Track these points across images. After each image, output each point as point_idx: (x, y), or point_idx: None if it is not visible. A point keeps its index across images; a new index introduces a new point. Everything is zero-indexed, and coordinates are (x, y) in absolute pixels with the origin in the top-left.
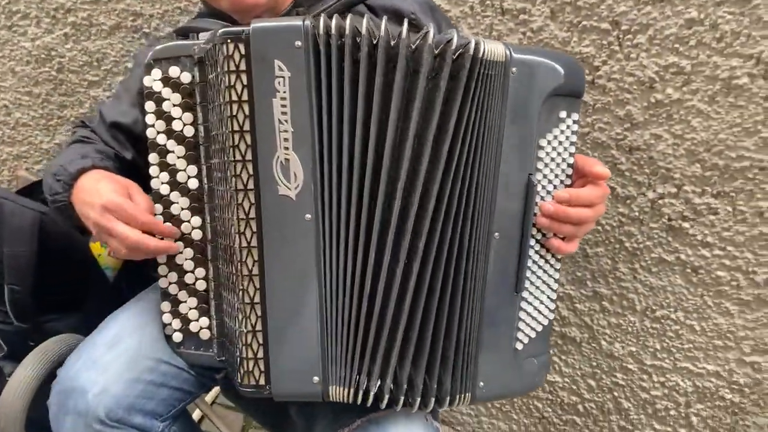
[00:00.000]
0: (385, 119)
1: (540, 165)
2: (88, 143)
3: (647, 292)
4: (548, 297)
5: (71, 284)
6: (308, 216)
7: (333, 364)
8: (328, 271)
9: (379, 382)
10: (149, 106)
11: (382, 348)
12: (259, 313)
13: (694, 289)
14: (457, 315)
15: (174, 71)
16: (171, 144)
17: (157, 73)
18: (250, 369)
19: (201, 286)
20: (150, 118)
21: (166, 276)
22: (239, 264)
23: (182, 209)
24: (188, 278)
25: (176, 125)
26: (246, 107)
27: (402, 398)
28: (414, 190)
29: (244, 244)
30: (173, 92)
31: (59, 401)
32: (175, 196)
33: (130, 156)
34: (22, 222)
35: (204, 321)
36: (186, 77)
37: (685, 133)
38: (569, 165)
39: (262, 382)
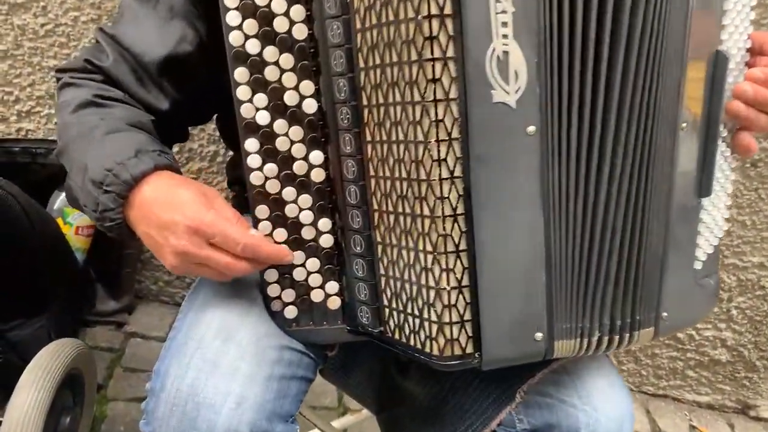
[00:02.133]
0: None
1: (724, 35)
2: (111, 108)
3: None
4: (724, 204)
5: (38, 277)
6: (531, 129)
7: (559, 314)
8: (554, 201)
9: (598, 326)
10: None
11: (606, 287)
12: (466, 264)
13: (750, 183)
14: (645, 232)
15: None
16: (270, 52)
17: None
18: (454, 336)
19: (327, 241)
20: (233, 17)
21: (270, 235)
22: (437, 201)
23: (292, 143)
24: (306, 233)
25: (279, 25)
26: None
27: (607, 339)
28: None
29: (445, 174)
30: None
31: (180, 425)
32: (281, 124)
33: (168, 105)
34: None
35: (332, 286)
36: None
37: None
38: (749, 36)
39: (469, 349)
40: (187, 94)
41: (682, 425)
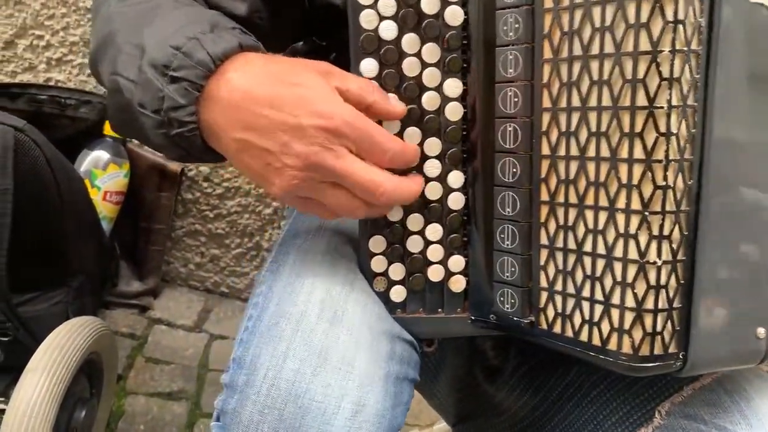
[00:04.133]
0: None
1: None
2: None
3: None
4: None
5: (60, 244)
6: None
7: None
8: None
9: None
10: None
11: None
12: (686, 230)
13: None
14: None
15: None
16: (411, 41)
17: None
18: (657, 329)
19: (457, 202)
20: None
21: None
22: (659, 140)
23: (424, 65)
24: (431, 192)
25: (427, 5)
26: None
27: None
28: None
29: (676, 99)
30: None
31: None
32: (410, 39)
33: (245, 10)
34: None
35: (456, 261)
36: None
37: None
38: None
39: (673, 348)
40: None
41: None
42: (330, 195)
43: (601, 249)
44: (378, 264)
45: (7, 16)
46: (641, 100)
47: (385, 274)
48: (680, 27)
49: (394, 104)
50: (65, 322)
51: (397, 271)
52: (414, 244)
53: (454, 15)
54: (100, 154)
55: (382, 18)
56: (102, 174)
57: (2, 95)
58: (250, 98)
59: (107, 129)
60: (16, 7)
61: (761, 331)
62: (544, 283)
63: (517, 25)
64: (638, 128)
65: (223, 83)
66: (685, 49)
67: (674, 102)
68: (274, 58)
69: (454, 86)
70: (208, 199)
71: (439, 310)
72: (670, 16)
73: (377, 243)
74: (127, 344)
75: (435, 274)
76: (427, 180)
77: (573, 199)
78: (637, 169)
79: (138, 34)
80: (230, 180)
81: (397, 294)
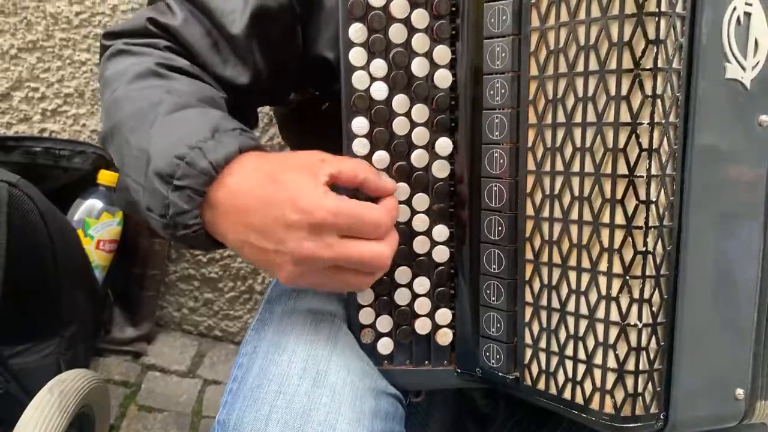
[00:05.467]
0: None
1: None
2: (173, 78)
3: None
4: None
5: (52, 296)
6: (764, 118)
7: (765, 366)
8: None
9: None
10: (356, 31)
11: None
12: (666, 293)
13: None
14: None
15: None
16: (401, 101)
17: None
18: (638, 389)
19: (442, 255)
20: (357, 55)
21: None
22: (639, 206)
23: (413, 125)
24: (419, 245)
25: (417, 68)
26: None
27: None
28: None
29: (655, 169)
30: (414, 6)
31: None
32: (401, 100)
33: (247, 79)
34: None
35: (443, 314)
36: None
37: None
38: None
39: (654, 409)
40: (273, 63)
41: None
42: (336, 279)
43: (583, 309)
44: (366, 316)
45: (3, 70)
46: (622, 168)
47: (372, 326)
48: (658, 101)
49: (386, 181)
50: (57, 377)
51: (384, 323)
52: (402, 297)
53: (443, 78)
54: (93, 203)
55: (373, 79)
56: (95, 223)
57: None
58: (244, 201)
59: (100, 178)
60: (12, 62)
61: (740, 391)
62: (528, 340)
63: (503, 90)
64: (619, 195)
65: (222, 189)
66: (663, 121)
67: (653, 171)
68: (266, 156)
69: (445, 145)
70: None
71: (426, 362)
72: (648, 91)
73: (365, 295)
74: (120, 392)
75: (422, 326)
76: (415, 234)
77: (557, 259)
78: (618, 235)
79: (144, 138)
80: None
81: (385, 346)
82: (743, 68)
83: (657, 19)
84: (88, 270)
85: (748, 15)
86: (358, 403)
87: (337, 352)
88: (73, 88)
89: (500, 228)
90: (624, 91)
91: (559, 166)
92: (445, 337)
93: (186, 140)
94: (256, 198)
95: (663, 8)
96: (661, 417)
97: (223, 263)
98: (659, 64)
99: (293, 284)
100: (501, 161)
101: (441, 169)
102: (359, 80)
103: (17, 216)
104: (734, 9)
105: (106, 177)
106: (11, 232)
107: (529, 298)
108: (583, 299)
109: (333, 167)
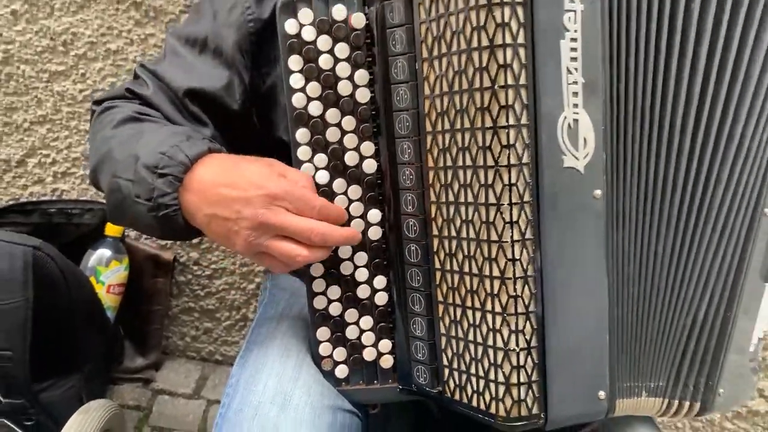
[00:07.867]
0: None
1: None
2: (153, 121)
3: None
4: None
5: (72, 337)
6: (597, 193)
7: (621, 373)
8: (616, 262)
9: (661, 386)
10: (294, 61)
11: (669, 347)
12: (535, 324)
13: None
14: (723, 305)
15: (339, 12)
16: (332, 114)
17: (307, 15)
18: (522, 397)
19: (381, 299)
20: (296, 80)
21: (324, 293)
22: (508, 263)
23: (351, 201)
24: (362, 292)
25: (343, 88)
26: (522, 53)
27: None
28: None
29: (516, 236)
30: (336, 41)
31: None
32: (339, 184)
33: (209, 134)
34: (11, 264)
35: (385, 344)
36: (358, 20)
37: None
38: None
39: (535, 410)
40: (224, 132)
41: None
42: (278, 245)
43: (479, 339)
44: (325, 349)
45: (18, 141)
46: (494, 237)
47: (330, 356)
48: (514, 188)
49: (313, 196)
50: (82, 407)
51: (340, 353)
52: (351, 333)
53: (363, 95)
54: (102, 253)
55: (309, 99)
56: (105, 270)
57: (18, 212)
58: (212, 185)
59: (107, 230)
60: (25, 133)
61: (602, 393)
62: (445, 362)
63: (406, 96)
64: (494, 255)
65: (195, 176)
66: (520, 201)
67: (515, 237)
68: (230, 156)
69: (375, 215)
70: (199, 279)
71: (375, 381)
72: (506, 181)
73: (323, 333)
74: (134, 416)
75: (369, 354)
76: (358, 284)
77: (458, 301)
78: (496, 284)
79: (132, 147)
80: (217, 262)
81: (341, 371)
82: (577, 158)
83: (508, 130)
84: (101, 312)
85: (576, 120)
86: (317, 419)
87: (301, 381)
88: (80, 153)
89: (419, 277)
90: (490, 181)
91: (453, 233)
92: (387, 362)
93: (168, 142)
94: (221, 182)
95: (511, 122)
96: (542, 416)
97: (219, 296)
98: (512, 161)
99: (245, 251)
100: (415, 228)
101: (375, 233)
102: (298, 100)
103: (41, 275)
104: (565, 118)
105: (112, 229)
106: (36, 289)
107: (443, 330)
108: (478, 331)
109: (281, 170)
